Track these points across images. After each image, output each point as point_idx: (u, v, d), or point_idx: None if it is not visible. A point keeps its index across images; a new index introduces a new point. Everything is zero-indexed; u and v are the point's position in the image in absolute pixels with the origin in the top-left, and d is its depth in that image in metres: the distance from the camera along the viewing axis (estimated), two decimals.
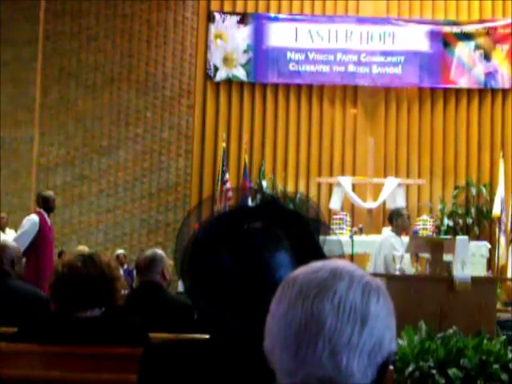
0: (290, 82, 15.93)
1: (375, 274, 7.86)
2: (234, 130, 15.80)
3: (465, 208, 15.59)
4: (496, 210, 14.67)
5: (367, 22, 15.95)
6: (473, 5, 16.12)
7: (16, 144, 14.97)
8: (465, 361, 6.29)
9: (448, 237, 12.95)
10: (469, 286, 7.88)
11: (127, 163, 15.61)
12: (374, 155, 14.88)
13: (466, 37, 15.89)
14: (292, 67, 15.83)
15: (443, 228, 15.16)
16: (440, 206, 15.49)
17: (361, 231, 13.32)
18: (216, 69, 15.88)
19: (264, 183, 15.35)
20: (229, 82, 15.96)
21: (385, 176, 15.28)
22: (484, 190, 15.59)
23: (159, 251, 5.35)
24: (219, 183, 14.61)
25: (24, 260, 5.69)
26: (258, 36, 15.93)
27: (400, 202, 14.71)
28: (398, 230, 9.50)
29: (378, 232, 13.86)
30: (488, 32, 15.92)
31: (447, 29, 15.93)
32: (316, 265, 1.42)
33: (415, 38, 15.87)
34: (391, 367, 2.93)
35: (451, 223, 15.29)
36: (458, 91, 16.01)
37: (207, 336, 1.93)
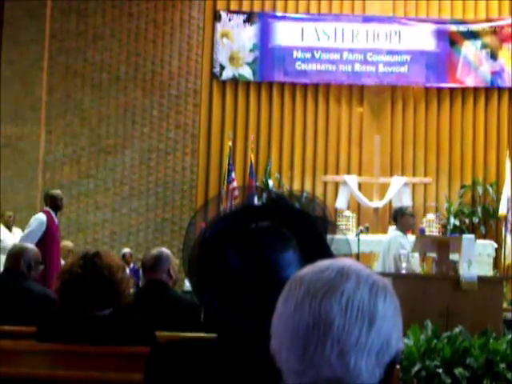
0: (296, 81, 15.92)
1: (382, 274, 7.85)
2: (240, 128, 15.80)
3: (471, 207, 15.56)
4: (502, 210, 14.64)
5: (373, 21, 15.93)
6: (479, 4, 16.09)
7: (22, 143, 14.99)
8: (471, 360, 6.29)
9: (454, 235, 12.93)
10: (475, 285, 7.87)
11: (133, 162, 15.62)
12: (380, 154, 14.87)
13: (473, 36, 15.87)
14: (298, 66, 15.82)
15: (449, 227, 15.13)
16: (446, 205, 15.47)
17: (367, 230, 13.30)
18: (222, 68, 15.88)
19: (270, 182, 15.34)
20: (235, 80, 15.96)
21: (391, 175, 15.27)
22: (490, 189, 15.56)
23: (165, 250, 5.34)
24: (225, 182, 14.61)
25: (42, 267, 5.72)
26: (264, 35, 15.92)
27: (406, 201, 14.70)
28: (403, 229, 9.49)
29: (384, 231, 13.84)
30: (494, 31, 15.90)
31: (453, 28, 15.90)
32: (322, 264, 1.42)
33: (421, 37, 15.85)
34: (398, 366, 2.92)
35: (457, 222, 15.27)
36: (464, 90, 15.99)
37: (214, 335, 1.93)
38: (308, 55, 15.82)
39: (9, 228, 12.70)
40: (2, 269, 6.06)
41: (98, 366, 3.27)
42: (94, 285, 3.62)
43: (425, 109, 15.98)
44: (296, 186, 15.52)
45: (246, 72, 15.89)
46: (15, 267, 5.35)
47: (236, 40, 15.92)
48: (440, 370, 6.20)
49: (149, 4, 15.82)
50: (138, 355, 2.72)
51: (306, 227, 1.96)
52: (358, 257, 10.87)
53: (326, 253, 1.89)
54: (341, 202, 14.77)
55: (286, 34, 15.89)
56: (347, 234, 12.79)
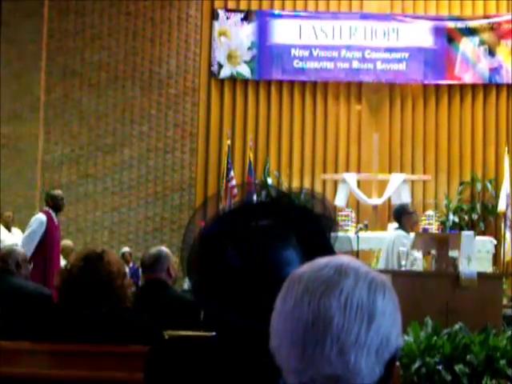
0: (294, 79, 15.92)
1: (381, 271, 7.85)
2: (238, 127, 15.80)
3: (470, 204, 15.57)
4: (501, 206, 14.65)
5: (371, 19, 15.93)
6: (477, 0, 16.09)
7: (21, 143, 14.99)
8: (471, 356, 6.29)
9: (454, 232, 12.93)
10: (475, 281, 7.88)
11: (132, 161, 15.62)
12: (378, 151, 14.88)
13: (471, 32, 15.86)
14: (296, 64, 15.82)
15: (448, 224, 15.13)
16: (445, 202, 15.48)
17: (366, 228, 13.29)
18: (220, 66, 15.88)
19: (269, 180, 15.34)
20: (233, 79, 15.96)
21: (390, 172, 15.27)
22: (489, 185, 15.57)
23: (165, 249, 5.35)
24: (224, 181, 14.60)
25: (31, 266, 5.92)
26: (262, 33, 15.92)
27: (405, 198, 14.70)
28: (407, 229, 9.39)
29: (384, 228, 13.85)
30: (492, 27, 15.89)
31: (451, 24, 15.90)
32: (321, 262, 1.41)
33: (419, 34, 15.85)
34: (398, 363, 2.93)
35: (457, 219, 15.27)
36: (462, 87, 15.99)
37: (213, 333, 1.93)
38: (306, 53, 15.81)
39: (8, 228, 12.71)
40: None
41: (97, 365, 3.27)
42: (93, 290, 3.62)
43: (423, 106, 15.98)
44: (295, 184, 15.52)
45: (244, 70, 15.88)
46: (4, 266, 5.55)
47: (234, 38, 15.92)
48: (440, 367, 6.21)
49: (146, 3, 15.82)
50: (138, 354, 2.72)
51: (308, 225, 1.95)
52: (357, 254, 10.86)
53: (329, 251, 1.88)
54: (340, 200, 14.76)
55: (283, 31, 15.88)
56: (347, 232, 12.80)
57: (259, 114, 15.86)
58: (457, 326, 6.80)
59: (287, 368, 1.37)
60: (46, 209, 10.38)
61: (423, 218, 14.50)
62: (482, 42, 15.86)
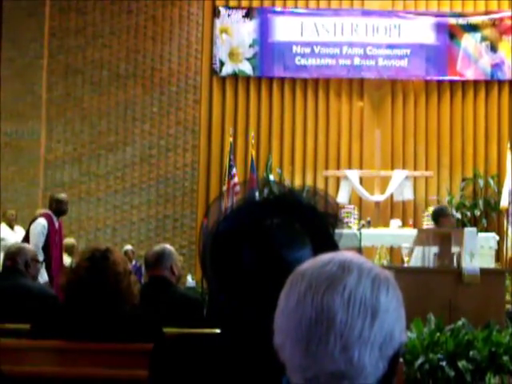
0: (296, 76, 15.91)
1: (383, 267, 7.84)
2: (240, 124, 15.80)
3: (472, 200, 15.56)
4: (504, 202, 14.63)
5: (373, 15, 15.92)
6: None
7: (23, 141, 15.00)
8: (474, 353, 6.30)
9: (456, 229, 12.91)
10: (478, 278, 7.87)
11: (134, 159, 15.62)
12: (380, 148, 14.86)
13: (472, 28, 15.85)
14: (298, 61, 15.81)
15: None
16: (448, 199, 15.47)
17: (369, 224, 13.30)
18: (222, 64, 15.87)
19: (271, 177, 15.34)
20: (235, 76, 15.96)
21: (392, 169, 15.26)
22: (492, 181, 15.56)
23: (168, 246, 5.35)
24: (226, 178, 14.59)
25: (39, 265, 5.83)
26: (264, 30, 15.91)
27: (408, 195, 14.72)
28: None
29: (386, 225, 13.88)
30: (494, 23, 15.88)
31: (453, 21, 15.88)
32: (324, 258, 1.41)
33: (421, 31, 15.83)
34: (401, 360, 2.92)
35: (459, 215, 15.25)
36: (464, 83, 15.97)
37: (217, 331, 1.93)
38: (307, 50, 15.81)
39: (11, 226, 12.72)
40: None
41: (101, 362, 3.27)
42: (100, 291, 3.62)
43: (425, 102, 15.97)
44: (297, 181, 15.52)
45: (246, 67, 15.88)
46: (12, 265, 5.46)
47: (235, 36, 15.91)
48: (443, 363, 6.21)
49: (148, 1, 15.81)
50: (143, 352, 2.72)
51: (314, 222, 1.94)
52: (360, 251, 10.84)
53: (335, 248, 1.87)
54: (342, 197, 14.75)
55: (285, 28, 15.88)
56: (349, 229, 12.79)
57: (261, 112, 15.85)
58: (460, 323, 6.80)
59: (291, 365, 1.37)
60: (47, 211, 10.33)
61: (425, 214, 14.50)
62: (483, 38, 15.84)
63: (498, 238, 13.72)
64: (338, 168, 15.60)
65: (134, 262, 14.11)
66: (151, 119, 15.72)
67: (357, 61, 15.80)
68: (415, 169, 15.63)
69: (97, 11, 15.74)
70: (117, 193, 15.53)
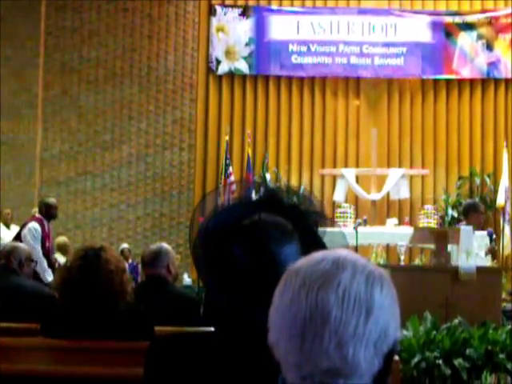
0: (292, 75, 15.91)
1: (378, 265, 7.83)
2: (236, 123, 15.80)
3: (469, 198, 15.56)
4: (500, 200, 14.65)
5: (369, 14, 15.92)
6: None
7: (19, 140, 14.99)
8: (471, 351, 6.30)
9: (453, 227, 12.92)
10: (474, 276, 7.86)
11: (130, 158, 15.62)
12: (377, 146, 14.87)
13: (468, 27, 15.86)
14: (294, 59, 15.81)
15: (447, 218, 15.14)
16: (444, 197, 15.49)
17: (365, 223, 13.30)
18: (218, 62, 15.87)
19: (267, 176, 15.34)
20: (231, 75, 15.95)
21: (388, 167, 15.27)
22: (488, 180, 15.58)
23: (165, 245, 5.35)
24: (223, 176, 14.59)
25: (34, 264, 5.85)
26: (260, 29, 15.91)
27: (404, 193, 14.72)
28: (473, 226, 9.04)
29: (382, 223, 13.88)
30: (490, 22, 15.89)
31: (449, 19, 15.89)
32: (318, 255, 1.41)
33: (417, 29, 15.84)
34: (397, 358, 2.92)
35: (455, 214, 15.27)
36: (460, 81, 15.99)
37: (212, 329, 1.93)
38: (304, 48, 15.81)
39: (7, 225, 12.72)
40: None
41: (97, 361, 3.27)
42: (92, 289, 3.62)
43: (421, 100, 15.98)
44: (293, 180, 15.53)
45: (242, 66, 15.87)
46: (7, 264, 5.49)
47: (231, 34, 15.91)
48: (440, 362, 6.21)
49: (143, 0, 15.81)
50: (138, 350, 2.72)
51: (299, 220, 1.95)
52: (356, 249, 10.86)
53: (321, 246, 1.88)
54: (338, 195, 14.76)
55: (281, 27, 15.87)
56: (346, 227, 12.78)
57: (257, 110, 15.85)
58: (456, 321, 6.80)
59: (286, 362, 1.37)
60: (39, 216, 10.34)
61: (422, 212, 14.52)
62: (479, 37, 15.85)
63: (494, 236, 13.74)
64: (335, 166, 15.60)
65: (130, 261, 14.10)
66: (147, 118, 15.72)
67: (353, 59, 15.81)
68: (411, 167, 15.64)
69: (93, 10, 15.73)
70: (113, 191, 15.52)
